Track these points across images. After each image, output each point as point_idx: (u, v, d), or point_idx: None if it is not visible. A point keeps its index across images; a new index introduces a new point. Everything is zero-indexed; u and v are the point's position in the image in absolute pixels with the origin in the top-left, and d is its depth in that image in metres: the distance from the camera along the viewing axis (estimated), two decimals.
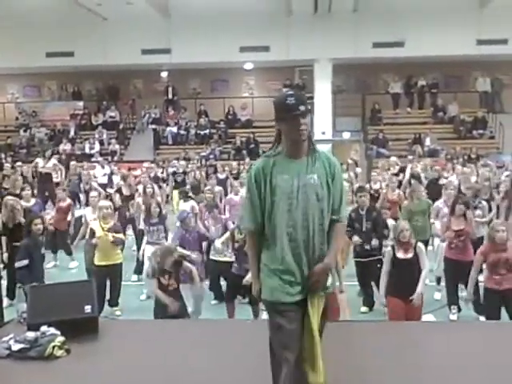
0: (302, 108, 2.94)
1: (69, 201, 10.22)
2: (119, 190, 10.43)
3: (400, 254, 5.69)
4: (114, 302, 7.25)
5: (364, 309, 7.17)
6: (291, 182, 2.97)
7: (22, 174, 14.32)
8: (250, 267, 3.21)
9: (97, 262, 7.08)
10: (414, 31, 18.18)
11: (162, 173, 15.04)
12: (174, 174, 14.06)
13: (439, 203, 8.14)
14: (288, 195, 2.96)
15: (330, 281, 3.08)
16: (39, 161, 15.39)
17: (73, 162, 15.95)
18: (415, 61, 19.39)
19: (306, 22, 18.93)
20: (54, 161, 15.50)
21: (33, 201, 9.49)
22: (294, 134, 2.97)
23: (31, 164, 15.74)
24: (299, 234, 2.97)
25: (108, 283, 7.10)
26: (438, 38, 17.77)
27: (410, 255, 5.66)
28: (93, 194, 9.11)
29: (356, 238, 7.14)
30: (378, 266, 6.92)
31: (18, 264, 6.31)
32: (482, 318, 6.32)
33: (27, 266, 6.31)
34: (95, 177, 14.31)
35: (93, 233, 7.19)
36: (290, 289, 2.98)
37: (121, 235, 7.28)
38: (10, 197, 8.55)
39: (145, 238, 7.87)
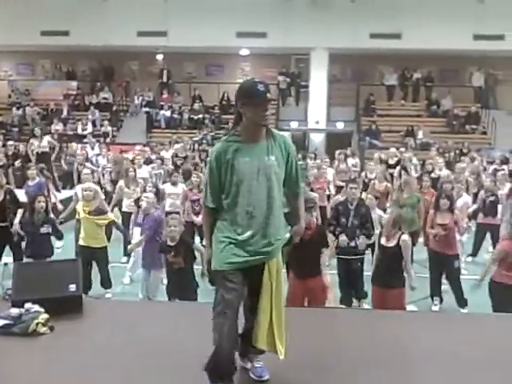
0: (269, 96, 3.20)
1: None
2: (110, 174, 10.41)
3: (383, 241, 5.74)
4: (105, 285, 7.23)
5: None
6: (252, 164, 3.21)
7: (18, 152, 14.34)
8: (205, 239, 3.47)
9: (81, 242, 7.10)
10: (411, 23, 18.12)
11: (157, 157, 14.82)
12: (176, 156, 13.98)
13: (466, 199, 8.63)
14: (249, 176, 3.20)
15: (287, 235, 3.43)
16: (33, 141, 15.28)
17: (73, 143, 15.86)
18: (411, 53, 19.35)
19: (304, 9, 18.88)
20: (47, 138, 15.41)
21: (36, 179, 9.42)
22: (259, 119, 3.20)
23: (25, 143, 15.63)
24: (259, 211, 3.22)
25: (95, 265, 7.11)
26: (435, 32, 17.72)
27: (391, 244, 5.67)
28: (86, 171, 9.12)
29: (343, 238, 6.46)
30: (359, 264, 6.57)
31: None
32: (464, 311, 6.46)
33: (29, 243, 6.44)
34: (88, 157, 14.27)
35: (77, 213, 7.24)
36: (240, 255, 3.21)
37: (103, 217, 7.11)
38: None
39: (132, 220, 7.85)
